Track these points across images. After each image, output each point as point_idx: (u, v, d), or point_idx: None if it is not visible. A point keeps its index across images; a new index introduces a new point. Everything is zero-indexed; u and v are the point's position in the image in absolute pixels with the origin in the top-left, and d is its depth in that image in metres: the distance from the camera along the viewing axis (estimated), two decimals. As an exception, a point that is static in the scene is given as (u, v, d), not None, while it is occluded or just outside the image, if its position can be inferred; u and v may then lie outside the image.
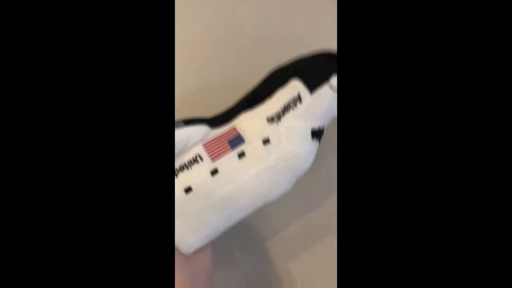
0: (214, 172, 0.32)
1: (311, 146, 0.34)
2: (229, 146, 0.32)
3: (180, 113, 0.39)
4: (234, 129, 0.33)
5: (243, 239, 0.42)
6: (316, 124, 0.34)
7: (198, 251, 0.34)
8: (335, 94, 0.34)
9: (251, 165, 0.32)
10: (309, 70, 0.34)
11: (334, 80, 0.34)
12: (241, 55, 0.44)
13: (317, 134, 0.34)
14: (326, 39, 0.44)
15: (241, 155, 0.32)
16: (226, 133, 0.33)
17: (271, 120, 0.33)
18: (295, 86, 0.33)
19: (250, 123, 0.33)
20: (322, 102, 0.33)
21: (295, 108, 0.33)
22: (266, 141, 0.32)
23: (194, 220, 0.32)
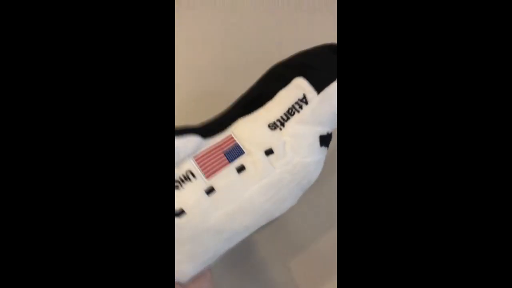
0: (210, 190, 0.27)
1: (320, 154, 0.29)
2: (225, 159, 0.28)
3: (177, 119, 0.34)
4: (231, 138, 0.28)
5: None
6: (325, 129, 0.29)
7: (197, 277, 0.29)
8: None
9: (253, 180, 0.27)
10: (315, 66, 0.30)
11: None
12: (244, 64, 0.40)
13: (325, 140, 0.30)
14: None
15: (241, 169, 0.27)
16: (222, 143, 0.28)
17: (273, 126, 0.28)
18: (300, 85, 0.29)
19: (249, 130, 0.29)
20: (331, 103, 0.29)
21: (300, 111, 0.28)
22: (269, 152, 0.28)
23: (189, 246, 0.28)
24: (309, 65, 0.30)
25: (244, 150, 0.28)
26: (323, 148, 0.30)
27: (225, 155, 0.28)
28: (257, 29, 0.42)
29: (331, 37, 0.31)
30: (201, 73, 0.41)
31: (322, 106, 0.29)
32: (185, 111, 0.35)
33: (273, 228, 0.37)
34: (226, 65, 0.40)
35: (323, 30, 0.33)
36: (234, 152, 0.28)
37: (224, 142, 0.28)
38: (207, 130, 0.29)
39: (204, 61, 0.41)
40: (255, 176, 0.27)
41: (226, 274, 0.37)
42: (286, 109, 0.28)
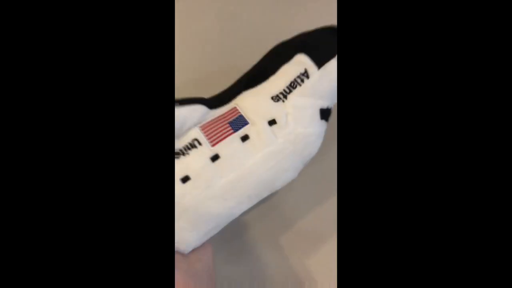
0: (215, 157, 0.28)
1: (320, 127, 0.31)
2: (230, 128, 0.29)
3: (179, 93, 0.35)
4: (235, 109, 0.30)
5: (248, 235, 0.39)
6: (325, 103, 0.31)
7: (198, 249, 0.30)
8: None
9: (257, 149, 0.29)
10: (316, 44, 0.31)
11: None
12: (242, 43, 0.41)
13: (325, 114, 0.31)
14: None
15: (245, 138, 0.29)
16: (227, 114, 0.29)
17: (276, 98, 0.30)
18: (301, 61, 0.30)
19: (253, 102, 0.30)
20: (331, 78, 0.30)
21: (302, 85, 0.30)
22: (272, 122, 0.29)
23: (193, 213, 0.28)
24: (310, 44, 0.31)
25: (248, 121, 0.29)
26: (323, 121, 0.31)
27: (230, 124, 0.29)
28: (256, 15, 0.43)
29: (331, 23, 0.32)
30: (198, 59, 0.42)
31: (322, 81, 0.30)
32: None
33: (265, 206, 0.37)
34: (224, 51, 0.41)
35: (323, 16, 0.34)
36: (239, 122, 0.29)
37: (229, 113, 0.29)
38: (214, 102, 0.30)
39: (201, 50, 0.42)
40: (259, 145, 0.28)
41: (220, 251, 0.38)
42: (289, 82, 0.30)
